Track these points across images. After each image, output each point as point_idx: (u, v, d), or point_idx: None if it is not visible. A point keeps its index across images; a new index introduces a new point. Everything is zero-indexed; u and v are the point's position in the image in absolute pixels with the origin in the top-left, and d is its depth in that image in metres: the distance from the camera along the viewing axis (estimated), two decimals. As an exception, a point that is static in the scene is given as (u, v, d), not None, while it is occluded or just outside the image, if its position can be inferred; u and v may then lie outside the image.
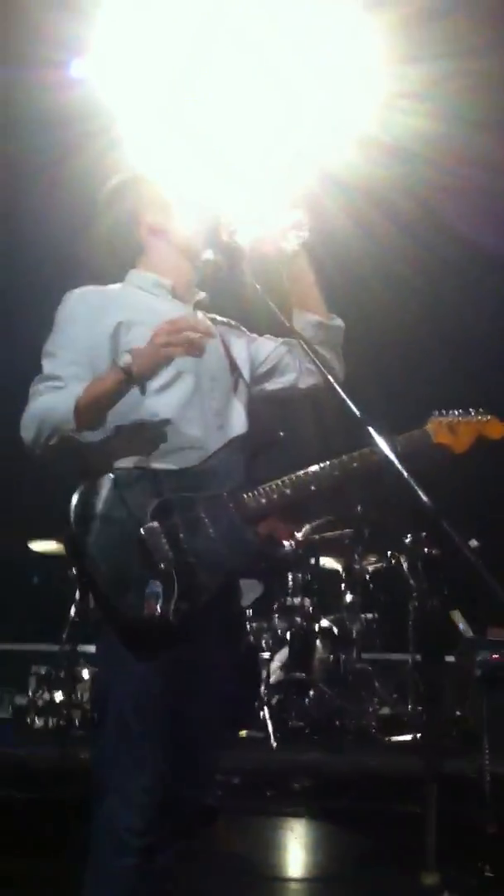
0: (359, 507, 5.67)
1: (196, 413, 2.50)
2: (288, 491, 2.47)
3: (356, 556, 5.72)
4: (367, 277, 5.82)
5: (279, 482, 2.48)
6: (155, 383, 2.42)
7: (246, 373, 2.70)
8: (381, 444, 2.02)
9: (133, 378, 2.32)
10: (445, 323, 6.14)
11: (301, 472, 2.50)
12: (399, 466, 1.96)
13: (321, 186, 5.26)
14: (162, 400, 2.44)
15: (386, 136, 5.33)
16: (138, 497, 2.35)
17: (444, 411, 2.73)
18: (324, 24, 4.98)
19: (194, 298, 2.65)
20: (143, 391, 2.40)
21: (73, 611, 5.23)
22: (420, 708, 5.44)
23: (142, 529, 2.31)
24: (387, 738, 5.34)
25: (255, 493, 2.45)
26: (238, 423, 2.60)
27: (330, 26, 5.00)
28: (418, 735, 5.24)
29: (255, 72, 4.95)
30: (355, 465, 2.48)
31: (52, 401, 2.40)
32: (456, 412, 2.72)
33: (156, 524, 2.32)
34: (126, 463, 2.43)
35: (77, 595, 5.17)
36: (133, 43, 4.95)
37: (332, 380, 2.16)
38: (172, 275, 2.62)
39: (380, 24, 4.97)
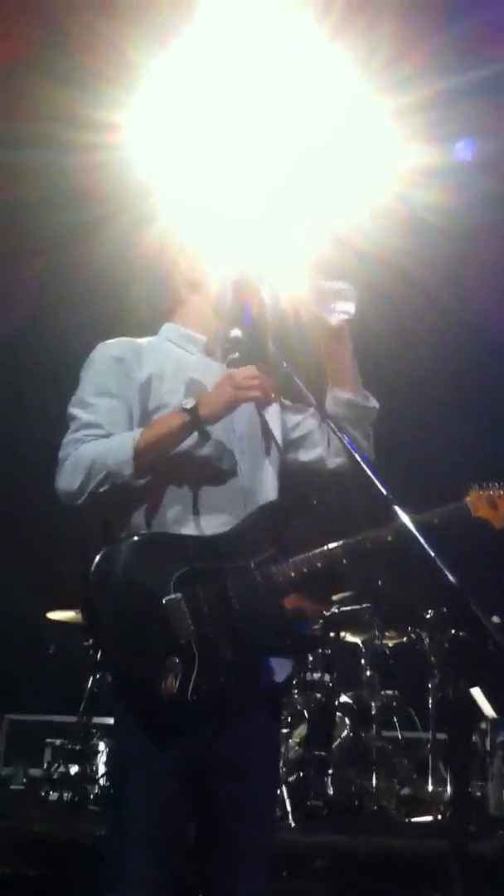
0: (379, 582, 5.61)
1: (223, 480, 2.42)
2: (319, 564, 2.35)
3: (377, 632, 5.64)
4: (388, 343, 5.87)
5: (309, 554, 2.36)
6: (182, 445, 2.36)
7: (279, 437, 2.61)
8: (408, 522, 1.99)
9: (200, 421, 2.29)
10: (470, 390, 6.16)
11: (332, 545, 2.38)
12: (425, 545, 1.93)
13: (339, 254, 5.36)
14: (187, 469, 2.37)
15: (403, 209, 5.45)
16: (161, 565, 2.25)
17: (483, 483, 2.61)
18: (348, 104, 5.15)
19: (228, 357, 2.53)
20: (206, 437, 2.37)
21: (90, 682, 5.18)
22: (441, 789, 5.30)
23: (164, 600, 2.21)
24: (407, 819, 5.19)
25: (284, 565, 2.33)
26: (268, 489, 2.50)
27: (354, 107, 5.18)
28: (439, 816, 5.10)
29: (278, 143, 5.12)
30: (389, 538, 2.35)
31: (102, 446, 2.33)
32: (496, 484, 2.59)
33: (178, 595, 2.22)
34: (156, 524, 2.35)
35: (95, 666, 5.12)
36: (166, 119, 5.15)
37: (359, 459, 2.14)
38: (206, 331, 2.58)
39: (400, 106, 5.14)
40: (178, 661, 2.17)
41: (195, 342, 2.58)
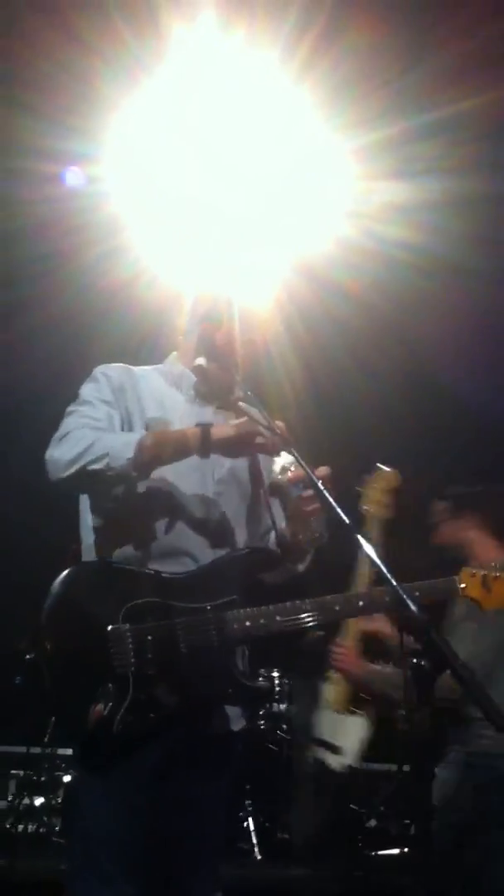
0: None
1: (193, 523, 2.41)
2: (279, 618, 2.29)
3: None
4: (353, 377, 5.93)
5: (272, 607, 2.30)
6: (158, 480, 2.38)
7: (266, 482, 2.61)
8: (372, 554, 1.98)
9: (208, 441, 2.31)
10: (434, 426, 6.21)
11: (299, 602, 2.31)
12: (389, 577, 1.93)
13: (308, 285, 5.43)
14: (162, 501, 2.39)
15: (371, 243, 5.52)
16: (115, 595, 2.25)
17: (480, 565, 2.56)
18: (315, 141, 5.23)
19: (222, 398, 2.59)
20: (205, 455, 2.37)
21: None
22: (407, 822, 5.29)
23: (108, 628, 2.21)
24: (374, 852, 5.18)
25: (243, 613, 2.28)
26: (244, 535, 2.49)
27: (322, 144, 5.25)
28: (405, 849, 5.08)
29: (246, 179, 5.18)
30: (361, 603, 2.34)
31: (107, 434, 2.36)
32: (493, 564, 2.55)
33: (125, 626, 2.21)
34: (119, 556, 2.36)
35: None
36: (134, 153, 5.20)
37: (323, 490, 2.13)
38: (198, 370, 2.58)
39: (368, 142, 5.22)
40: (111, 689, 2.17)
41: (185, 381, 2.61)
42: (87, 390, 2.52)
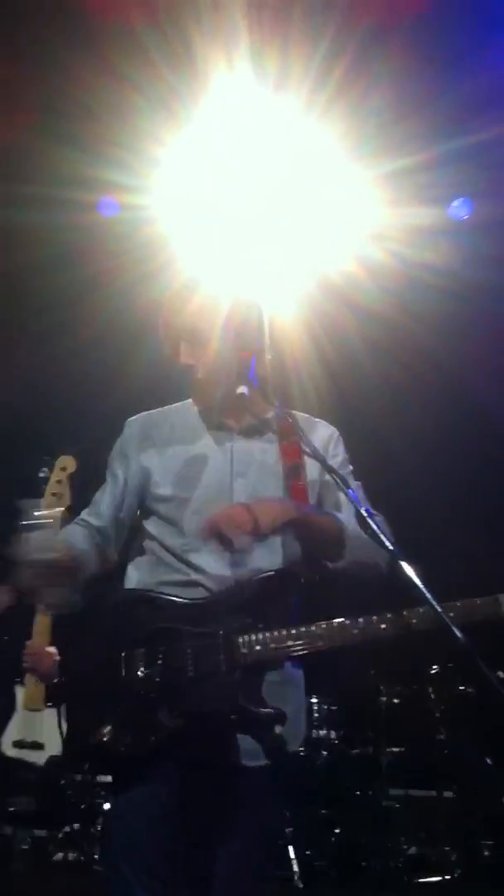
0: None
1: (208, 551, 2.38)
2: (290, 643, 2.24)
3: (381, 688, 5.60)
4: (383, 397, 5.95)
5: (284, 632, 2.25)
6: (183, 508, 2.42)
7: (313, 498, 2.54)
8: (412, 574, 1.97)
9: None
10: (466, 448, 6.20)
11: (314, 626, 2.26)
12: (432, 600, 1.93)
13: (336, 309, 5.48)
14: (183, 529, 2.40)
15: (400, 267, 5.58)
16: (137, 622, 2.29)
17: None
18: (344, 166, 5.32)
19: (238, 425, 2.58)
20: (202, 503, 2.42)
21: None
22: (447, 848, 5.20)
23: (122, 653, 2.25)
24: (414, 880, 5.10)
25: (253, 638, 2.25)
26: (268, 559, 2.40)
27: (350, 169, 5.34)
28: (446, 876, 5.01)
29: (276, 205, 5.27)
30: (383, 626, 2.23)
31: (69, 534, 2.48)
32: None
33: (140, 650, 2.25)
34: (142, 583, 2.41)
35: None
36: (170, 183, 5.29)
37: (364, 515, 2.15)
38: (208, 403, 2.58)
39: (396, 168, 5.31)
40: (118, 711, 2.20)
41: (200, 416, 2.61)
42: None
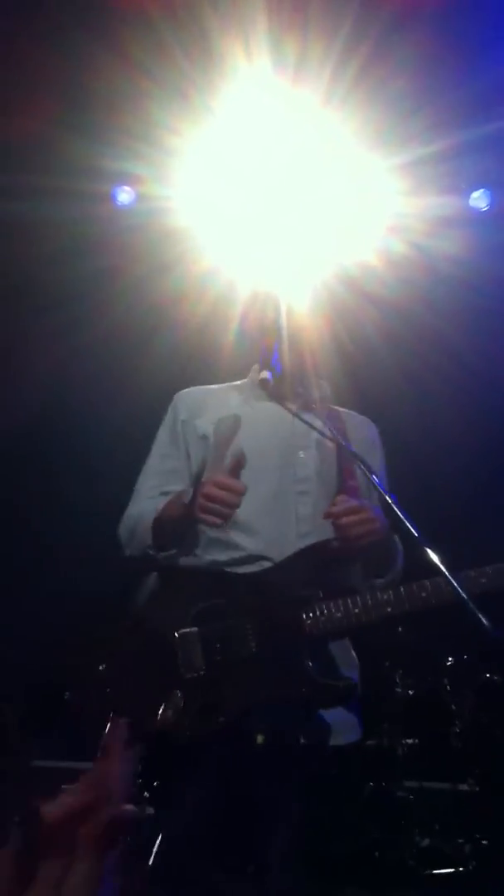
0: (399, 629, 5.57)
1: (271, 521, 2.37)
2: (357, 611, 2.20)
3: (397, 679, 5.58)
4: (402, 389, 5.91)
5: (349, 601, 2.21)
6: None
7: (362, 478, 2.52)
8: (441, 567, 1.92)
9: (190, 511, 2.26)
10: (487, 439, 6.15)
11: (378, 593, 2.22)
12: (459, 590, 1.89)
13: (356, 300, 5.44)
14: (238, 513, 2.31)
15: (419, 258, 5.53)
16: (186, 599, 2.23)
17: None
18: (364, 155, 5.28)
19: (305, 396, 2.58)
20: (263, 479, 2.37)
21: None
22: (462, 841, 5.20)
23: (176, 633, 2.17)
24: (427, 872, 5.10)
25: (318, 611, 2.20)
26: (328, 528, 2.36)
27: (370, 158, 5.30)
28: (460, 869, 5.00)
29: (297, 196, 5.23)
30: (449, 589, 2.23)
31: (139, 511, 2.43)
32: None
33: (194, 629, 2.18)
34: (196, 561, 2.36)
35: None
36: (186, 174, 5.27)
37: (390, 501, 2.07)
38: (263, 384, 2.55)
39: (416, 157, 5.25)
40: (180, 695, 2.13)
41: (256, 386, 2.61)
42: (156, 441, 2.59)
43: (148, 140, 5.06)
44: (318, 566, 2.28)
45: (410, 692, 5.60)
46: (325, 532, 2.34)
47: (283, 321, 2.63)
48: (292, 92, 4.97)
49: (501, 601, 2.18)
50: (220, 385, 2.73)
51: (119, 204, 5.44)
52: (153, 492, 2.50)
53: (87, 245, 5.43)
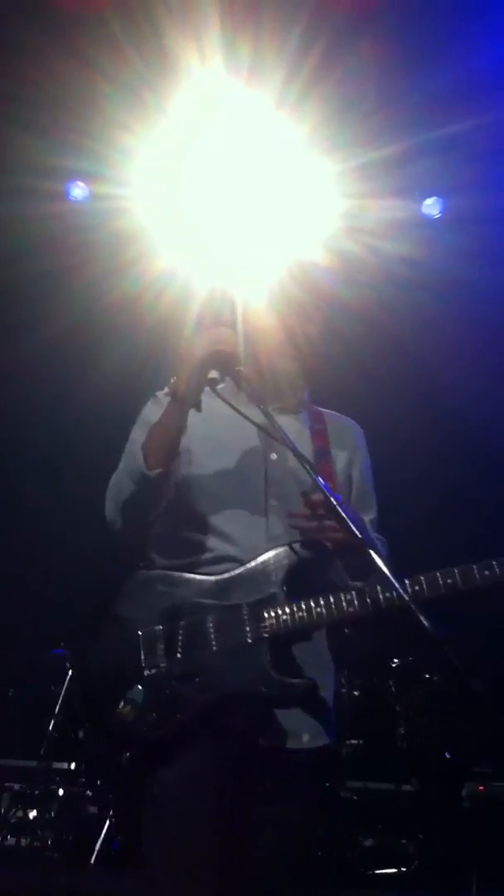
0: (346, 630, 5.59)
1: (242, 524, 2.37)
2: (319, 611, 2.21)
3: (342, 681, 5.61)
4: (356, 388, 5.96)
5: (311, 601, 2.22)
6: (208, 488, 2.37)
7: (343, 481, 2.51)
8: (383, 568, 1.93)
9: (180, 397, 2.28)
10: (440, 437, 6.20)
11: (342, 593, 2.22)
12: (401, 591, 1.90)
13: (311, 299, 5.45)
14: (207, 507, 2.36)
15: (372, 258, 5.58)
16: (155, 601, 2.25)
17: None
18: (317, 158, 5.32)
19: (283, 402, 2.55)
20: (198, 408, 2.33)
21: (51, 726, 5.14)
22: (405, 841, 5.23)
23: (139, 631, 2.21)
24: (370, 871, 5.13)
25: (279, 608, 2.22)
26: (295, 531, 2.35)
27: (323, 161, 5.34)
28: (402, 868, 5.04)
29: (249, 197, 5.25)
30: (416, 588, 2.19)
31: (123, 464, 2.38)
32: None
33: (158, 628, 2.21)
34: (167, 564, 2.35)
35: (56, 710, 5.10)
36: (139, 173, 5.28)
37: (335, 504, 2.06)
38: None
39: (370, 160, 5.30)
40: (140, 690, 2.15)
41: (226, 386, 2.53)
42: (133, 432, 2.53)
43: (102, 139, 5.07)
44: (288, 568, 2.29)
45: (356, 693, 5.63)
46: (297, 534, 2.35)
47: (239, 327, 2.61)
48: (246, 94, 4.99)
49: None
50: None
51: (73, 199, 5.44)
52: None
53: (41, 244, 5.43)
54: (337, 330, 6.00)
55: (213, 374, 2.44)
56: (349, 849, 5.19)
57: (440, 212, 5.56)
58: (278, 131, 5.17)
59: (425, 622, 1.80)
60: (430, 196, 5.59)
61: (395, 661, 5.49)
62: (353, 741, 5.59)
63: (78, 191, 5.34)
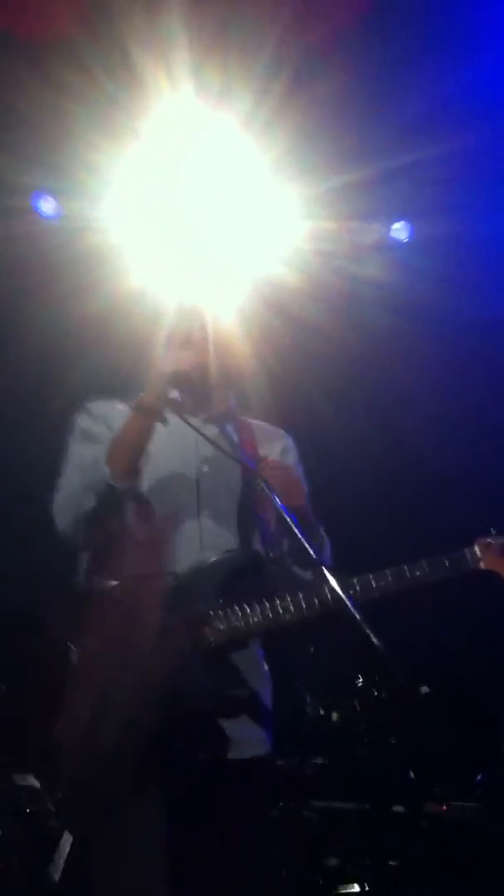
0: (311, 648, 5.62)
1: (175, 536, 2.40)
2: (256, 619, 2.27)
3: (307, 699, 5.63)
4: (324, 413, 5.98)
5: (247, 610, 2.27)
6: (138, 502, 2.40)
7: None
8: (333, 583, 1.96)
9: (144, 408, 2.35)
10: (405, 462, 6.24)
11: (278, 601, 2.28)
12: (351, 607, 1.90)
13: (281, 323, 5.50)
14: (141, 522, 2.41)
15: (342, 283, 5.61)
16: (93, 622, 2.27)
17: (494, 532, 2.40)
18: (283, 182, 5.34)
19: (210, 412, 2.62)
20: (164, 423, 2.39)
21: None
22: (367, 860, 5.27)
23: (73, 652, 2.24)
24: (333, 892, 5.15)
25: (216, 622, 2.26)
26: (232, 540, 2.44)
27: (290, 184, 5.36)
28: (366, 887, 5.07)
29: (216, 219, 5.27)
30: (352, 591, 2.24)
31: (77, 477, 2.42)
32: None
33: (101, 651, 2.24)
34: (97, 579, 2.39)
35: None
36: (106, 190, 5.28)
37: (289, 521, 2.12)
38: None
39: (339, 185, 5.32)
40: (88, 711, 2.16)
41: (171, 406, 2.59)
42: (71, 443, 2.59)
43: (69, 156, 5.07)
44: (223, 578, 2.33)
45: (321, 712, 5.65)
46: (229, 543, 2.41)
47: (209, 344, 2.65)
48: (215, 117, 5.01)
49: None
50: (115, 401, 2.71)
51: (41, 214, 5.42)
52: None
53: (8, 262, 5.42)
54: (305, 347, 6.05)
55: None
56: (313, 869, 5.22)
57: (408, 236, 5.60)
58: (246, 154, 5.19)
59: (372, 635, 1.83)
60: (398, 220, 5.61)
61: (360, 679, 5.51)
62: (318, 760, 5.62)
63: (46, 206, 5.32)
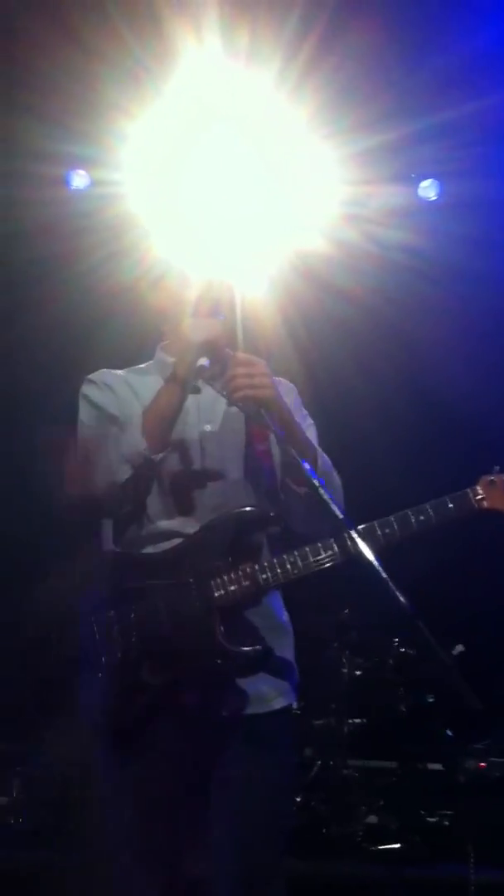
0: (346, 611, 5.65)
1: (182, 496, 2.41)
2: (266, 576, 2.26)
3: (344, 660, 5.67)
4: (356, 379, 5.97)
5: (257, 566, 2.27)
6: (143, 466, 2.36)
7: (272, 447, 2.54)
8: (363, 547, 1.91)
9: (178, 378, 2.35)
10: (439, 428, 6.22)
11: (285, 556, 2.28)
12: (378, 567, 1.85)
13: (310, 290, 5.47)
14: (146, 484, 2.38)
15: (371, 246, 5.58)
16: (105, 585, 2.28)
17: (497, 469, 2.33)
18: (314, 145, 5.29)
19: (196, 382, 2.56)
20: (196, 392, 2.42)
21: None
22: (404, 817, 5.33)
23: (94, 621, 2.23)
24: (373, 847, 5.22)
25: (225, 578, 2.25)
26: (240, 497, 2.42)
27: (321, 148, 5.32)
28: (404, 844, 5.14)
29: (247, 184, 5.23)
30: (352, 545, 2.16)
31: (115, 439, 2.41)
32: None
33: (112, 614, 2.23)
34: (106, 545, 2.41)
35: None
36: (137, 158, 5.24)
37: (317, 484, 2.06)
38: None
39: (368, 147, 5.29)
40: (100, 678, 2.18)
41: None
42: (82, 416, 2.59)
43: (98, 123, 5.04)
44: (232, 535, 2.32)
45: (357, 673, 5.69)
46: (238, 500, 2.40)
47: (237, 314, 2.64)
48: (244, 79, 4.96)
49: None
50: (127, 370, 2.73)
51: (73, 188, 5.41)
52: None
53: (39, 229, 5.40)
54: (335, 316, 6.03)
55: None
56: (351, 826, 5.29)
57: (437, 195, 5.56)
58: (276, 117, 5.13)
59: (400, 596, 1.78)
60: (426, 179, 5.58)
61: (396, 639, 5.55)
62: (356, 720, 5.67)
63: (79, 179, 5.31)
